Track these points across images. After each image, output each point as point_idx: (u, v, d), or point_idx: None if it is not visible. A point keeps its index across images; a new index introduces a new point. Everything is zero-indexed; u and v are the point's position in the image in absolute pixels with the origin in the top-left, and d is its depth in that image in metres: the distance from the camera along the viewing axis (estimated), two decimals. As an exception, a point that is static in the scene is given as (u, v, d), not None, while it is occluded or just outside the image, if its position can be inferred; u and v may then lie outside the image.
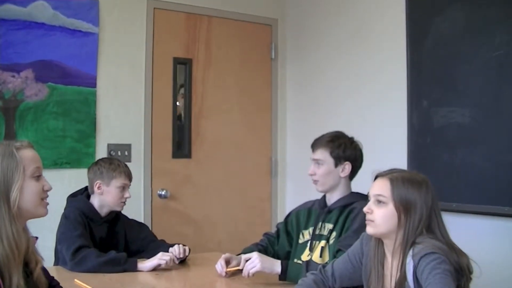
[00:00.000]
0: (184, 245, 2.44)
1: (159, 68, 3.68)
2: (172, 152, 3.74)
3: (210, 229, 3.84)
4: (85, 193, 2.52)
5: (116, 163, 2.53)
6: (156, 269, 2.28)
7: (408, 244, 1.61)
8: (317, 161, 2.24)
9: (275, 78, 4.17)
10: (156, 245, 2.46)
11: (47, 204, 1.56)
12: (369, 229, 1.70)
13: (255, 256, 2.07)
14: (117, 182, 2.48)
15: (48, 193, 1.58)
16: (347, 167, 2.22)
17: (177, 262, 2.34)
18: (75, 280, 2.01)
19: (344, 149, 2.22)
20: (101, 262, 2.19)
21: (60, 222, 2.41)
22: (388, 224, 1.65)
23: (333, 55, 3.77)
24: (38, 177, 1.52)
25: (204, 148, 3.86)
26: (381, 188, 1.67)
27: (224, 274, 2.17)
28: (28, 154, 1.50)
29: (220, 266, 2.18)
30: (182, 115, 3.82)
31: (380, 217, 1.66)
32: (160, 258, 2.26)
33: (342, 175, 2.23)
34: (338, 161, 2.22)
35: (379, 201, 1.67)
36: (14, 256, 1.38)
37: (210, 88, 3.89)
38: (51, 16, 3.31)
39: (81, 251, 2.21)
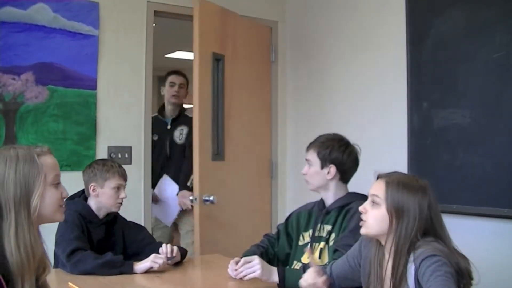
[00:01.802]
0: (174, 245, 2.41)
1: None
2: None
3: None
4: (83, 195, 2.52)
5: (110, 164, 2.53)
6: (156, 271, 2.27)
7: (401, 249, 1.60)
8: (308, 161, 2.26)
9: (275, 80, 4.16)
10: (153, 247, 2.44)
11: (64, 210, 1.55)
12: (362, 229, 1.72)
13: (256, 261, 2.06)
14: (111, 183, 2.47)
15: None
16: (332, 170, 2.21)
17: (169, 262, 2.32)
18: (69, 283, 2.01)
19: (330, 152, 2.21)
20: (98, 264, 2.18)
21: (58, 225, 2.40)
22: (379, 226, 1.66)
23: (333, 57, 3.77)
24: (57, 185, 1.51)
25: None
26: (377, 189, 1.68)
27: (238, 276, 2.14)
28: (49, 161, 1.49)
29: (233, 270, 2.16)
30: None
31: (372, 218, 1.68)
32: (153, 261, 2.25)
33: (328, 177, 2.22)
34: (323, 163, 2.22)
35: (374, 202, 1.68)
36: (29, 263, 1.37)
37: (228, 87, 3.83)
38: (51, 18, 3.31)
39: (77, 253, 2.20)
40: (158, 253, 2.34)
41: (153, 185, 3.73)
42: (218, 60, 3.55)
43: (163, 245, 2.35)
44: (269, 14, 4.12)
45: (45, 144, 3.20)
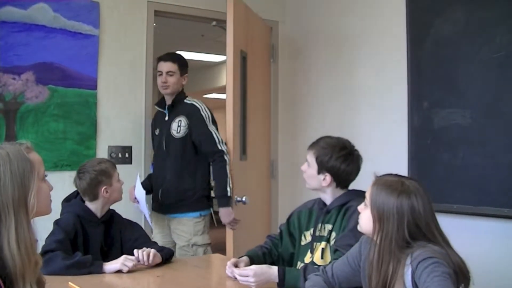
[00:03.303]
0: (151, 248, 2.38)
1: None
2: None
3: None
4: (79, 196, 2.51)
5: (102, 162, 2.54)
6: (156, 269, 2.27)
7: (383, 251, 1.60)
8: (307, 161, 2.25)
9: (275, 80, 4.17)
10: (148, 246, 2.43)
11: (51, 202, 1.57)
12: (358, 226, 1.76)
13: (251, 278, 2.01)
14: (115, 177, 2.52)
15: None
16: (328, 178, 2.17)
17: (145, 265, 2.31)
18: (69, 283, 2.01)
19: (328, 160, 2.16)
20: (66, 264, 2.16)
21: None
22: (367, 227, 1.68)
23: (333, 57, 3.77)
24: (44, 179, 1.52)
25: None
26: (367, 191, 1.71)
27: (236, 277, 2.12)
28: (37, 157, 1.49)
29: (230, 272, 2.16)
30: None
31: (362, 219, 1.72)
32: (123, 263, 2.23)
33: (324, 184, 2.18)
34: (320, 169, 2.18)
35: (365, 203, 1.71)
36: (29, 261, 1.36)
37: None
38: (52, 18, 3.32)
39: (48, 254, 2.18)
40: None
41: (150, 189, 3.29)
42: (244, 58, 3.50)
43: (139, 250, 2.33)
44: (269, 14, 4.12)
45: (46, 144, 3.25)
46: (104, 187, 2.44)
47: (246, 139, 3.47)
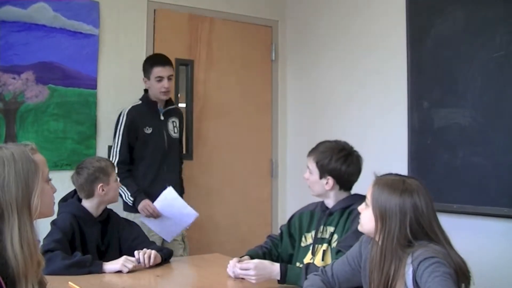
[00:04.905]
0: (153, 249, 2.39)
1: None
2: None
3: (211, 230, 3.83)
4: (76, 196, 2.51)
5: (102, 160, 2.55)
6: (156, 269, 2.27)
7: (386, 250, 1.61)
8: (308, 168, 2.25)
9: (276, 79, 4.17)
10: (147, 246, 2.44)
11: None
12: (358, 226, 1.77)
13: (251, 272, 2.03)
14: (113, 177, 2.52)
15: None
16: (330, 181, 2.18)
17: (146, 266, 2.31)
18: (69, 283, 2.01)
19: (329, 162, 2.17)
20: (66, 264, 2.17)
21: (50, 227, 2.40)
22: (369, 226, 1.69)
23: (333, 57, 3.77)
24: (49, 180, 1.53)
25: (206, 150, 3.86)
26: (368, 191, 1.71)
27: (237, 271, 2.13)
28: (41, 158, 1.51)
29: (232, 271, 2.16)
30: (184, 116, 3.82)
31: (363, 218, 1.72)
32: (123, 264, 2.24)
33: (327, 188, 2.19)
34: (322, 173, 2.19)
35: (365, 203, 1.72)
36: (32, 261, 1.37)
37: (211, 89, 3.89)
38: (52, 18, 3.32)
39: (47, 254, 2.18)
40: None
41: (145, 192, 3.13)
42: (185, 65, 3.77)
43: (140, 252, 2.33)
44: (269, 14, 4.12)
45: (46, 143, 3.25)
46: (101, 184, 2.44)
47: (192, 141, 3.79)
